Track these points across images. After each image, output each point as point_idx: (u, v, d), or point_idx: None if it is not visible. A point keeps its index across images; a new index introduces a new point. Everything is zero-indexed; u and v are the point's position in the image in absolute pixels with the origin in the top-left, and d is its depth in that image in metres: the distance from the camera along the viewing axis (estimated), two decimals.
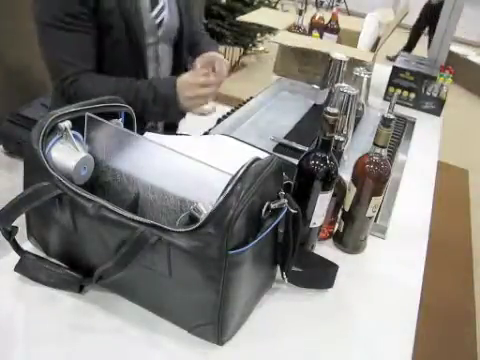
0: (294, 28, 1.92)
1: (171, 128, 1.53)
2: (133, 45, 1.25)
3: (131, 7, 1.21)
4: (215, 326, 0.71)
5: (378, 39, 1.90)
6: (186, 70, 1.50)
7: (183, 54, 1.47)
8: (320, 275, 0.88)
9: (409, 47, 5.99)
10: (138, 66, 1.30)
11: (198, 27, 1.61)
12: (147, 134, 0.87)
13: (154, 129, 1.45)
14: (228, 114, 1.52)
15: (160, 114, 1.25)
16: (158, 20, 1.32)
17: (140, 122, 0.90)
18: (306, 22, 1.97)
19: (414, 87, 1.84)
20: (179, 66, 1.46)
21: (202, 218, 0.65)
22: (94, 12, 1.17)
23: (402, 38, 5.82)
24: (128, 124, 0.87)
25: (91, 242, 0.74)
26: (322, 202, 0.88)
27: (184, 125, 1.55)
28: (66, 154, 0.77)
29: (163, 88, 1.21)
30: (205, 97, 1.21)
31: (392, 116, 0.87)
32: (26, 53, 2.14)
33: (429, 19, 5.51)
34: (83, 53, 1.20)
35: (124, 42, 1.23)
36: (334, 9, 2.00)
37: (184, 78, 1.20)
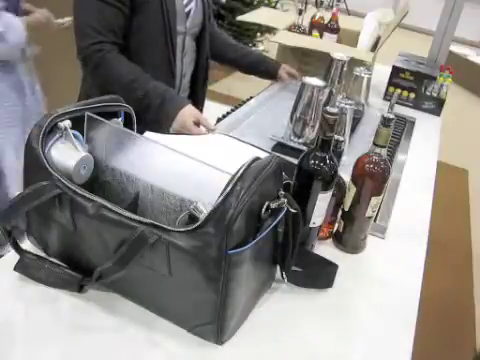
0: (294, 28, 1.92)
1: None
2: (165, 27, 1.29)
3: None
4: (215, 326, 0.71)
5: (378, 39, 1.90)
6: (207, 68, 1.55)
7: (205, 50, 1.50)
8: (320, 275, 0.88)
9: None
10: (167, 50, 1.32)
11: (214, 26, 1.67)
12: (147, 134, 0.87)
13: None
14: (228, 114, 1.52)
15: (154, 114, 1.28)
16: (187, 9, 1.36)
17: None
18: (306, 22, 1.97)
19: (414, 87, 1.84)
20: (201, 61, 1.50)
21: (202, 218, 0.65)
22: None
23: (403, 38, 5.81)
24: (128, 124, 0.87)
25: (91, 241, 0.74)
26: (322, 202, 0.88)
27: None
28: (66, 153, 0.77)
29: (173, 101, 1.27)
30: (195, 132, 1.27)
31: (392, 116, 0.87)
32: None
33: None
34: (113, 27, 1.25)
35: (158, 22, 1.27)
36: (334, 9, 1.99)
37: (194, 109, 1.27)
